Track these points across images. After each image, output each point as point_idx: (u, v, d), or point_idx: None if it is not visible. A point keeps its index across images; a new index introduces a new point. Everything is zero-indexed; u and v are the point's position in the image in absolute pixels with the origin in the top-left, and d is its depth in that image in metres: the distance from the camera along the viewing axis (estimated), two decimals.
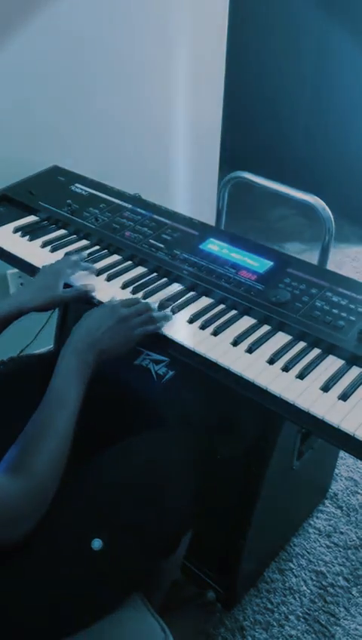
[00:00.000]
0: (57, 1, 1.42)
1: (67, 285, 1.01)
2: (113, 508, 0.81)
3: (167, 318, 0.95)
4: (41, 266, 1.07)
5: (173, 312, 0.97)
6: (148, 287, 1.04)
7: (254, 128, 3.24)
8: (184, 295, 1.02)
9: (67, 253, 1.13)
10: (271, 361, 0.87)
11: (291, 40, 2.98)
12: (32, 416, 0.76)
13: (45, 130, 1.54)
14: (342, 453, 1.54)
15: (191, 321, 0.96)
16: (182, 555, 1.07)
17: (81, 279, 1.05)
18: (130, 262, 1.12)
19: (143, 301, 0.96)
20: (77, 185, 1.36)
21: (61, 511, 0.73)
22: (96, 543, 0.76)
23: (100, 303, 1.00)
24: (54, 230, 1.22)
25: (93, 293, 1.02)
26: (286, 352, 0.89)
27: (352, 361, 0.87)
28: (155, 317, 0.92)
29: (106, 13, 1.52)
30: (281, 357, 0.88)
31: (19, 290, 1.05)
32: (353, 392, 0.82)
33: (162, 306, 0.98)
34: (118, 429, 0.94)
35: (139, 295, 1.02)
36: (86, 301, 1.02)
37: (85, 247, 1.16)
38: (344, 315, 0.94)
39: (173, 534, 0.92)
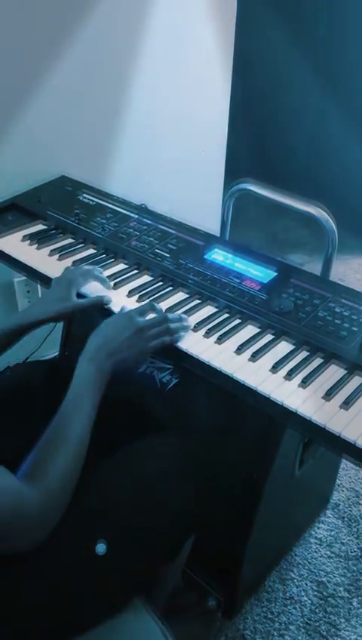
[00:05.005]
0: (65, 7, 1.44)
1: (80, 295, 1.01)
2: (116, 513, 0.82)
3: (185, 329, 0.94)
4: (53, 277, 1.07)
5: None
6: (153, 294, 1.06)
7: (258, 140, 3.26)
8: (188, 303, 1.04)
9: (75, 262, 1.15)
10: (274, 369, 0.88)
11: (295, 50, 3.01)
12: (49, 424, 0.77)
13: (53, 141, 1.56)
14: (343, 464, 1.54)
15: (195, 329, 0.97)
16: (183, 562, 1.08)
17: (93, 288, 1.06)
18: (135, 270, 1.13)
19: (158, 307, 0.96)
20: (84, 194, 1.38)
21: (66, 516, 0.74)
22: (100, 548, 0.76)
23: (112, 311, 1.02)
24: (62, 238, 1.24)
25: (110, 305, 1.02)
26: (289, 360, 0.90)
27: (354, 370, 0.88)
28: (172, 328, 0.91)
29: (112, 21, 1.54)
30: (284, 365, 0.89)
31: (34, 303, 1.06)
32: (355, 401, 0.83)
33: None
34: (121, 436, 0.94)
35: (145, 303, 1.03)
36: (100, 309, 1.02)
37: (92, 256, 1.18)
38: (346, 325, 0.95)
39: (175, 540, 0.93)
